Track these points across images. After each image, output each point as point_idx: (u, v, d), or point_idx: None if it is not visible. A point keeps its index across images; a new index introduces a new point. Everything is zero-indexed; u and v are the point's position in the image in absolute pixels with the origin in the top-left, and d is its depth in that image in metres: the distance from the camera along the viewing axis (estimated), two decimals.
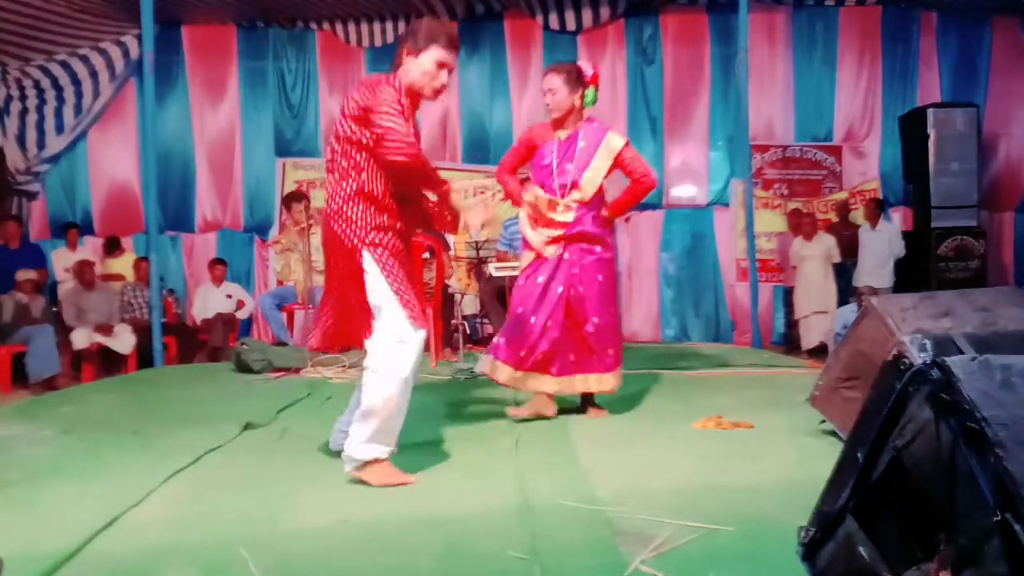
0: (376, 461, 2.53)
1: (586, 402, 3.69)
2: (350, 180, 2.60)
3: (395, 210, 2.65)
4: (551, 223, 3.49)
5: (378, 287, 2.53)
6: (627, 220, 8.29)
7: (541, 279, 3.46)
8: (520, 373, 3.48)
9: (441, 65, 2.67)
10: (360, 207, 2.59)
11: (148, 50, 5.95)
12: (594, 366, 3.52)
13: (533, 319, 3.44)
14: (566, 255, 3.48)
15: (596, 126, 3.54)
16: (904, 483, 1.35)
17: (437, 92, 2.72)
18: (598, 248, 3.51)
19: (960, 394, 1.22)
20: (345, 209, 2.60)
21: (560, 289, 3.45)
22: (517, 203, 3.64)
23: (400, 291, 2.53)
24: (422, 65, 2.66)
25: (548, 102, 3.47)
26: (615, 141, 3.49)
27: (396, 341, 2.49)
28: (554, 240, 3.48)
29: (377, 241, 2.58)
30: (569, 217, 3.47)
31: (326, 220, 2.67)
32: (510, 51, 8.19)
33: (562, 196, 3.48)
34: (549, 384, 3.50)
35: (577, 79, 3.45)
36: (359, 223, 2.58)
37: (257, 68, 8.10)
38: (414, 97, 2.71)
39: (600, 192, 3.54)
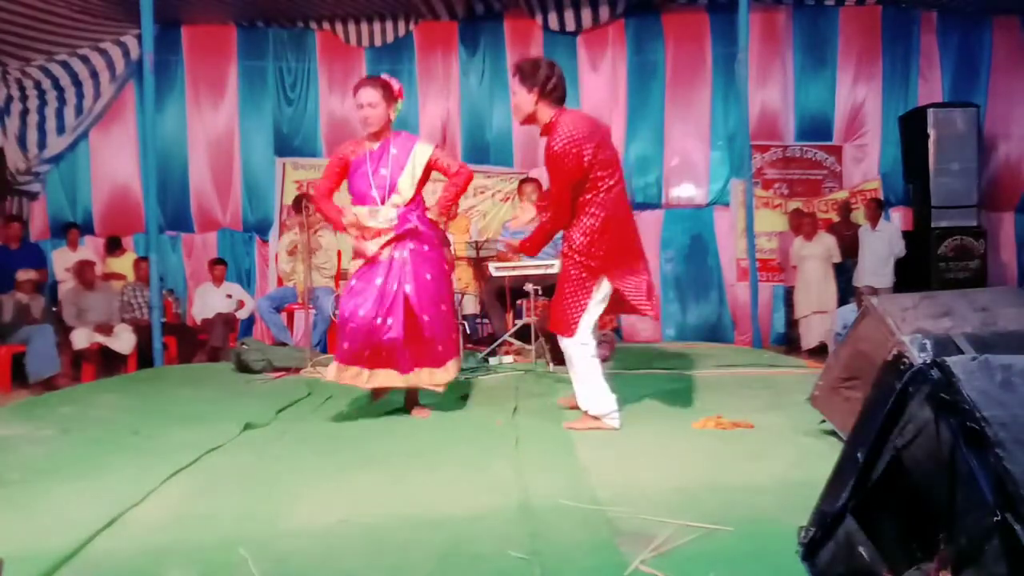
0: None
1: (410, 401, 3.79)
2: None
3: None
4: (378, 232, 3.60)
5: None
6: None
7: (379, 280, 3.56)
8: (367, 371, 3.56)
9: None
10: None
11: (148, 50, 5.95)
12: (427, 360, 3.62)
13: (378, 319, 3.51)
14: (396, 254, 3.59)
15: (404, 137, 3.70)
16: (904, 483, 1.35)
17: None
18: (426, 247, 3.63)
19: (960, 394, 1.22)
20: None
21: (395, 287, 3.55)
22: (338, 227, 3.79)
23: None
24: None
25: (367, 115, 3.56)
26: (424, 148, 3.65)
27: None
28: (386, 243, 3.60)
29: None
30: (393, 219, 3.58)
31: None
32: (510, 51, 8.19)
33: (382, 203, 3.60)
34: (397, 380, 3.61)
35: (389, 93, 3.61)
36: None
37: (257, 68, 8.10)
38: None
39: (419, 199, 3.66)
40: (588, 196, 3.30)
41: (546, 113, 3.31)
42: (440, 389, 3.71)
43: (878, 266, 7.22)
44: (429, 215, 3.68)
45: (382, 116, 3.57)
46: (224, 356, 6.50)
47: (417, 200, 3.65)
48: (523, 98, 3.33)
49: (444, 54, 8.23)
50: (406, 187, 3.59)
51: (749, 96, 7.01)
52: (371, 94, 3.55)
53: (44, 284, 7.10)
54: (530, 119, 3.39)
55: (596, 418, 3.36)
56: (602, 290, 3.36)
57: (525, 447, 3.00)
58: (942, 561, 1.24)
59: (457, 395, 4.33)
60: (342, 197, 3.76)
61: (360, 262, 3.69)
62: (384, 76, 3.71)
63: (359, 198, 3.63)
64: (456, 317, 3.86)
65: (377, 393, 3.79)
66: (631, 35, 8.18)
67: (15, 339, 6.11)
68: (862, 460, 1.40)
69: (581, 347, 3.35)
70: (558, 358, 5.16)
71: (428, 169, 3.64)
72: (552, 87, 3.30)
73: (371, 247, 3.59)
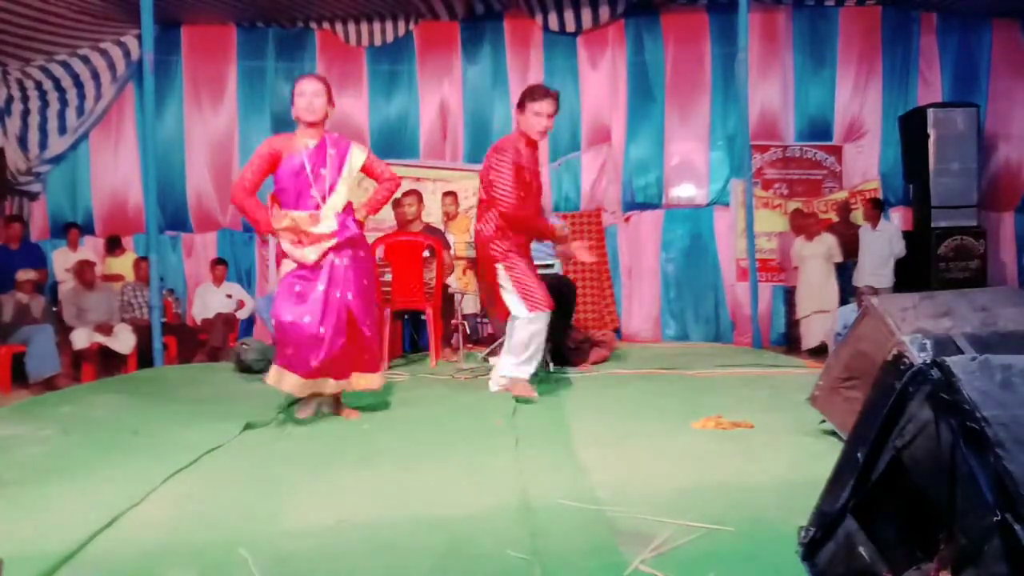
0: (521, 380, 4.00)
1: (338, 403, 3.75)
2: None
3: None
4: (319, 238, 3.52)
5: (507, 285, 4.06)
6: (627, 220, 8.30)
7: (321, 287, 3.49)
8: (308, 380, 3.50)
9: (537, 113, 4.02)
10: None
11: (148, 50, 5.95)
12: (366, 365, 3.65)
13: (321, 328, 3.45)
14: (336, 260, 3.55)
15: (339, 137, 3.65)
16: (904, 483, 1.35)
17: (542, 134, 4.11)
18: (361, 252, 3.65)
19: (960, 394, 1.22)
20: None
21: (338, 294, 3.52)
22: (264, 229, 3.62)
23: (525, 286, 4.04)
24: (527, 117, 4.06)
25: (312, 103, 3.48)
26: (359, 152, 3.64)
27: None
28: (327, 251, 3.54)
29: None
30: (333, 226, 3.54)
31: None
32: (510, 51, 8.20)
33: (321, 203, 3.52)
34: (331, 386, 3.58)
35: (331, 94, 3.59)
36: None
37: (257, 68, 8.10)
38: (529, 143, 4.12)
39: (350, 203, 3.64)
40: None
41: None
42: (376, 388, 3.74)
43: (878, 266, 7.23)
44: (357, 215, 3.68)
45: (323, 108, 3.52)
46: (224, 356, 6.50)
47: (349, 204, 3.64)
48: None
49: (444, 54, 8.24)
50: (344, 190, 3.57)
51: (749, 96, 7.01)
52: (317, 85, 3.54)
53: (44, 284, 7.10)
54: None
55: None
56: None
57: (525, 447, 3.00)
58: (942, 561, 1.24)
59: (457, 395, 4.33)
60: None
61: (291, 265, 3.59)
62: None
63: (295, 199, 3.52)
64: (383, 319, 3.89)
65: (308, 401, 3.65)
66: (631, 35, 8.18)
67: (15, 339, 6.11)
68: (862, 460, 1.40)
69: None
70: (558, 358, 5.17)
71: (362, 171, 3.68)
72: None
73: (311, 255, 3.51)
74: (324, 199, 3.52)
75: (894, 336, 2.49)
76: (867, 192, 8.07)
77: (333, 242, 3.52)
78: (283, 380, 3.52)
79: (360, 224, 3.70)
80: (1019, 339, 2.32)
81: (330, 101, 3.57)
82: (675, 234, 8.28)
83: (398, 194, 6.70)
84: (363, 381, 3.67)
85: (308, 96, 3.48)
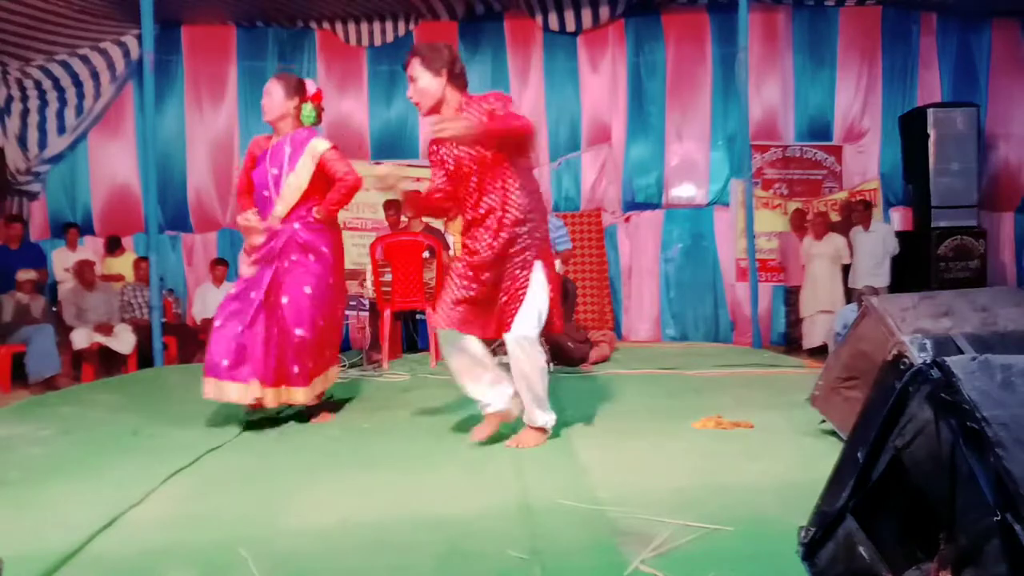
0: None
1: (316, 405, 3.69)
2: None
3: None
4: (255, 249, 3.53)
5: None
6: (627, 220, 8.30)
7: (253, 294, 3.50)
8: (243, 384, 3.45)
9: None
10: None
11: (148, 50, 5.94)
12: (290, 379, 3.48)
13: (240, 328, 3.46)
14: (277, 264, 3.50)
15: (305, 134, 3.57)
16: (904, 483, 1.35)
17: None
18: (310, 257, 3.52)
19: (960, 394, 1.22)
20: None
21: (271, 298, 3.48)
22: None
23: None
24: None
25: (262, 104, 3.54)
26: (319, 145, 3.52)
27: None
28: (259, 248, 3.51)
29: None
30: (276, 226, 3.51)
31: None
32: (510, 51, 8.19)
33: (272, 203, 3.52)
34: (258, 392, 3.46)
35: (296, 89, 3.54)
36: None
37: (257, 68, 8.09)
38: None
39: (312, 201, 3.54)
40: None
41: (454, 98, 2.99)
42: (301, 403, 3.58)
43: (874, 266, 7.22)
44: (315, 214, 3.55)
45: (276, 107, 3.50)
46: None
47: (309, 203, 3.53)
48: (429, 82, 2.95)
49: None
50: (292, 188, 3.48)
51: (749, 96, 7.01)
52: (271, 84, 3.54)
53: (44, 284, 7.10)
54: (437, 107, 2.99)
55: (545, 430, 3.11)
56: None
57: (525, 447, 3.00)
58: (942, 561, 1.24)
59: (457, 396, 4.33)
60: None
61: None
62: (306, 79, 3.66)
63: (259, 201, 3.58)
64: (340, 331, 3.80)
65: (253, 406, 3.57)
66: (631, 35, 8.17)
67: (15, 339, 6.11)
68: (862, 460, 1.40)
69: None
70: (558, 358, 5.18)
71: (318, 169, 3.51)
72: (459, 71, 3.00)
73: (245, 271, 3.57)
74: (272, 199, 3.51)
75: (894, 336, 2.49)
76: (866, 192, 8.07)
77: (262, 251, 3.49)
78: (225, 391, 3.47)
79: (322, 228, 3.58)
80: (1019, 339, 2.32)
81: (290, 96, 3.51)
82: (675, 234, 8.27)
83: (397, 194, 6.71)
84: (284, 396, 3.51)
85: (263, 99, 3.54)
